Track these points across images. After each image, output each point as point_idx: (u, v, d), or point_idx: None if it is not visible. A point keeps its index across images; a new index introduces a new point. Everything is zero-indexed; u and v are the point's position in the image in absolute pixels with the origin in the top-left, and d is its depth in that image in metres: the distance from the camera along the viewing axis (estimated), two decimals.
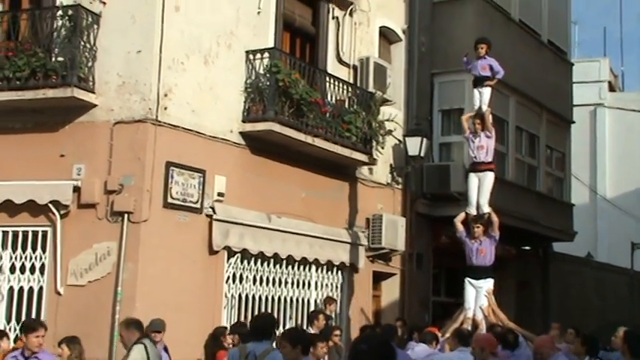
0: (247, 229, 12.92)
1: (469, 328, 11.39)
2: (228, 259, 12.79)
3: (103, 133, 11.67)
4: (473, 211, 12.37)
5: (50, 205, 11.61)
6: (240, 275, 13.09)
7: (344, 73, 15.41)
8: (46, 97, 11.57)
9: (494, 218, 12.14)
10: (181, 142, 12.01)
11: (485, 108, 12.60)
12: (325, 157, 14.43)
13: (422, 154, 16.72)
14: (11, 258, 12.01)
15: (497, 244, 12.17)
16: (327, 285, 14.96)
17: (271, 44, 13.64)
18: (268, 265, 13.63)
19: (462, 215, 12.43)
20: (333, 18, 15.45)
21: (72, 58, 11.53)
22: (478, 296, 11.92)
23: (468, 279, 12.10)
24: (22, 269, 11.93)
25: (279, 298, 13.90)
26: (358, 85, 15.48)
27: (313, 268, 14.61)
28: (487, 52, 12.79)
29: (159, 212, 11.62)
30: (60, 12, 11.82)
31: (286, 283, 14.06)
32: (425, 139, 16.73)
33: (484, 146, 12.44)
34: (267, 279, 13.65)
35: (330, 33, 15.40)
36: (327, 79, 14.57)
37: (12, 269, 11.99)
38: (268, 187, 13.52)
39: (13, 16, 12.38)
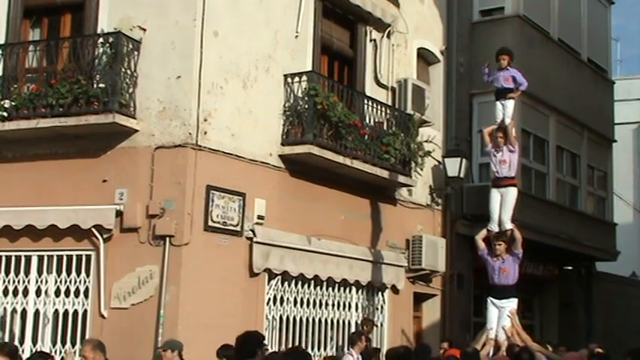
0: (287, 252, 12.98)
1: (491, 349, 11.15)
2: (269, 281, 12.85)
3: (145, 158, 11.83)
4: (495, 228, 11.89)
5: (93, 230, 11.78)
6: (281, 297, 13.15)
7: (382, 95, 15.47)
8: (88, 123, 11.74)
9: (517, 235, 11.68)
10: (221, 166, 12.13)
11: (508, 121, 12.14)
12: (364, 179, 14.47)
13: (461, 175, 16.71)
14: (56, 282, 12.20)
15: (520, 262, 11.69)
16: (367, 307, 14.94)
17: (309, 67, 13.75)
18: (309, 287, 13.68)
19: (483, 232, 11.99)
20: (370, 40, 15.52)
21: (113, 84, 11.71)
22: (501, 316, 11.42)
23: (491, 299, 11.64)
24: (67, 293, 12.10)
25: (320, 320, 13.92)
26: (396, 106, 15.53)
27: (354, 289, 14.61)
28: (509, 64, 12.33)
29: (200, 235, 11.73)
30: (101, 39, 12.02)
31: (327, 304, 14.08)
32: (464, 160, 16.73)
33: (507, 161, 11.96)
34: (308, 301, 13.69)
35: (368, 55, 15.48)
36: (366, 101, 14.64)
37: (57, 293, 12.18)
38: (308, 210, 13.57)
39: (55, 44, 12.64)
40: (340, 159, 13.58)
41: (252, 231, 12.48)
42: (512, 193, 11.98)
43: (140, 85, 12.00)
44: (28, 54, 12.78)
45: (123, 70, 11.83)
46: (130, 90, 11.92)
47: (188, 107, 11.78)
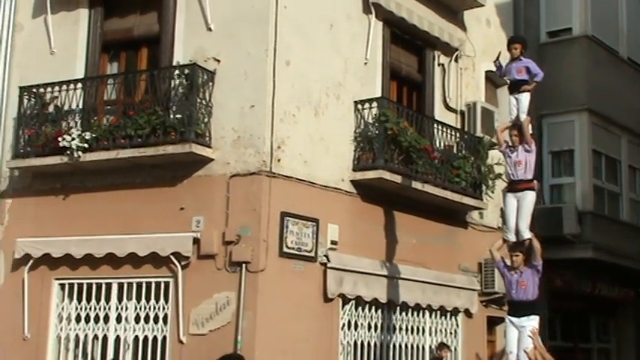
0: (361, 277, 13.07)
1: None
2: (343, 306, 12.95)
3: (220, 186, 12.05)
4: (512, 238, 10.80)
5: (172, 257, 12.04)
6: (355, 322, 13.22)
7: (451, 119, 15.53)
8: (165, 152, 12.03)
9: (537, 244, 10.50)
10: (295, 192, 12.30)
11: (523, 117, 11.02)
12: (435, 203, 14.49)
13: None
14: (136, 308, 12.49)
15: (540, 275, 10.56)
16: (441, 331, 14.92)
17: (379, 94, 13.89)
18: (382, 311, 13.72)
19: (499, 242, 11.02)
20: (438, 65, 15.62)
21: (189, 114, 11.99)
22: (521, 338, 10.24)
23: (509, 317, 10.49)
24: (147, 319, 12.37)
25: (394, 345, 13.94)
26: (466, 130, 15.56)
27: (427, 313, 14.61)
28: (522, 53, 11.18)
29: (275, 261, 11.90)
30: (177, 71, 12.31)
31: (400, 329, 14.10)
32: (535, 182, 16.58)
33: (522, 162, 10.84)
34: (382, 326, 13.73)
35: (437, 79, 15.57)
36: (435, 125, 14.70)
37: (137, 319, 12.46)
38: (380, 234, 13.66)
39: (132, 76, 13.03)
40: (411, 183, 13.66)
41: (326, 256, 12.61)
42: (529, 197, 10.85)
43: (215, 115, 12.27)
44: (106, 87, 13.20)
45: (198, 100, 12.11)
46: (206, 120, 12.19)
47: (262, 135, 12.00)
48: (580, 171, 17.75)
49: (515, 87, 11.22)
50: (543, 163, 17.97)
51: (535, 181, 11.06)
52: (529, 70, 11.15)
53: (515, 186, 10.95)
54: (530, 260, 10.49)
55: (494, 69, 16.89)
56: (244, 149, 12.05)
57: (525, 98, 11.12)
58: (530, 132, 11.11)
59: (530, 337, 10.20)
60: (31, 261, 13.04)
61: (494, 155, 15.78)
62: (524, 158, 10.89)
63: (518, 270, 10.47)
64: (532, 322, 10.32)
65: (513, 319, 10.42)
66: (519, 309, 10.41)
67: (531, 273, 10.46)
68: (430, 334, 14.70)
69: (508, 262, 10.58)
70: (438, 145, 14.52)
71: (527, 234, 10.68)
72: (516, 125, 11.05)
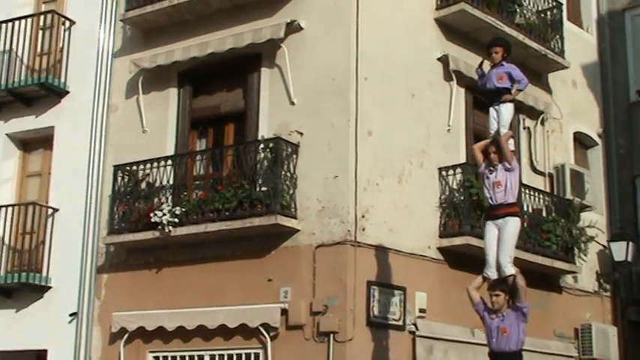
0: (451, 345, 12.91)
1: None
2: None
3: (306, 257, 12.18)
4: (493, 275, 9.24)
5: (261, 328, 12.15)
6: None
7: (539, 182, 15.36)
8: (252, 225, 12.24)
9: (521, 282, 8.99)
10: (380, 261, 12.30)
11: (504, 131, 9.49)
12: (526, 268, 14.12)
13: (629, 259, 16.18)
14: None
15: (527, 320, 9.07)
16: None
17: (463, 159, 13.88)
18: None
19: (478, 280, 9.43)
20: (524, 128, 15.54)
21: (274, 187, 12.22)
22: None
23: None
24: None
25: None
26: (555, 193, 15.35)
27: None
28: (504, 57, 9.72)
29: (362, 331, 11.87)
30: (262, 145, 12.62)
31: None
32: (631, 243, 16.21)
33: (501, 182, 9.29)
34: None
35: (523, 143, 15.47)
36: (522, 189, 14.54)
37: None
38: (469, 301, 13.45)
39: (219, 152, 13.41)
40: None
41: (415, 325, 12.52)
42: (511, 225, 9.28)
43: (299, 186, 12.45)
44: (195, 163, 13.61)
45: (283, 172, 12.34)
46: (291, 191, 12.39)
47: (346, 205, 12.10)
48: None
49: (496, 96, 9.72)
50: (639, 225, 17.50)
51: (518, 206, 9.65)
52: (511, 76, 9.67)
53: (494, 212, 9.39)
54: (514, 302, 9.06)
55: (583, 130, 16.94)
56: (329, 219, 12.17)
57: (506, 109, 9.65)
58: (512, 148, 9.72)
59: None
60: (127, 334, 13.37)
61: (585, 217, 15.53)
62: (504, 178, 9.36)
63: (500, 313, 9.03)
64: None
65: None
66: None
67: (515, 317, 8.98)
68: None
69: (489, 304, 9.23)
70: (526, 208, 14.35)
71: (509, 269, 9.11)
72: (496, 141, 9.61)
